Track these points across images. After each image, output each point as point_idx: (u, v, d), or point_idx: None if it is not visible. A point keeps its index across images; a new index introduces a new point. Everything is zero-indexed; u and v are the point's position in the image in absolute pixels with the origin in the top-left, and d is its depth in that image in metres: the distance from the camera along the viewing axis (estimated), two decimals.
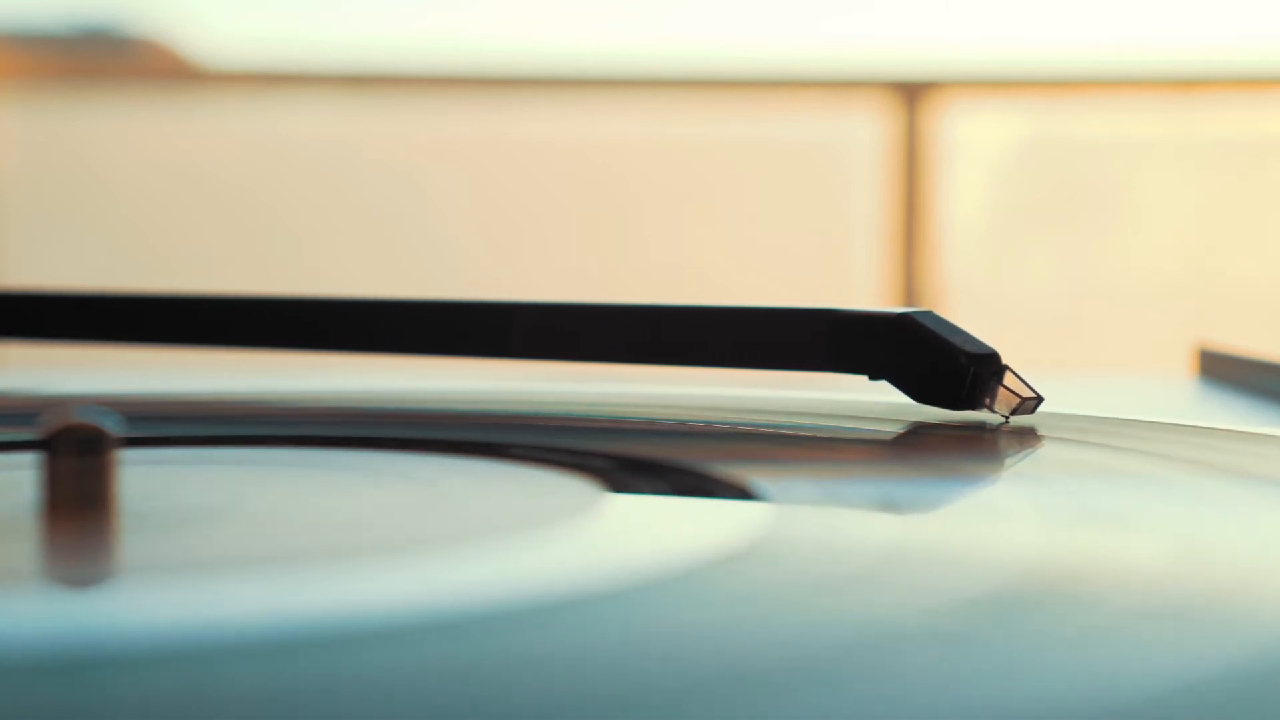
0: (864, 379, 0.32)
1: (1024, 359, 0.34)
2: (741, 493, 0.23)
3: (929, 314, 0.31)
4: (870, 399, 0.34)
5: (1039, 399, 0.30)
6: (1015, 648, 0.15)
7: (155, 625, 0.16)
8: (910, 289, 1.69)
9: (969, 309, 1.62)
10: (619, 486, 0.24)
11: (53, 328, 0.42)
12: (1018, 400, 0.30)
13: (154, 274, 1.71)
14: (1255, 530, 0.21)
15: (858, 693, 0.14)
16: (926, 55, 1.84)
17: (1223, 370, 0.47)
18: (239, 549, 0.20)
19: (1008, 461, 0.27)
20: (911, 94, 1.72)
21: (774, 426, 0.31)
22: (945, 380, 0.30)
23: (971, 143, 1.77)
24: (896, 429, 0.30)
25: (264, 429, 0.31)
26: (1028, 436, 0.29)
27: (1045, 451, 0.27)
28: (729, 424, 0.31)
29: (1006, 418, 0.30)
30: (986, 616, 0.16)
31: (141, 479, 0.24)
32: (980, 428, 0.30)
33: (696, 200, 1.83)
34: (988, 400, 0.30)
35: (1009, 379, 0.30)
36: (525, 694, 0.14)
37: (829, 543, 0.20)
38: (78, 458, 0.21)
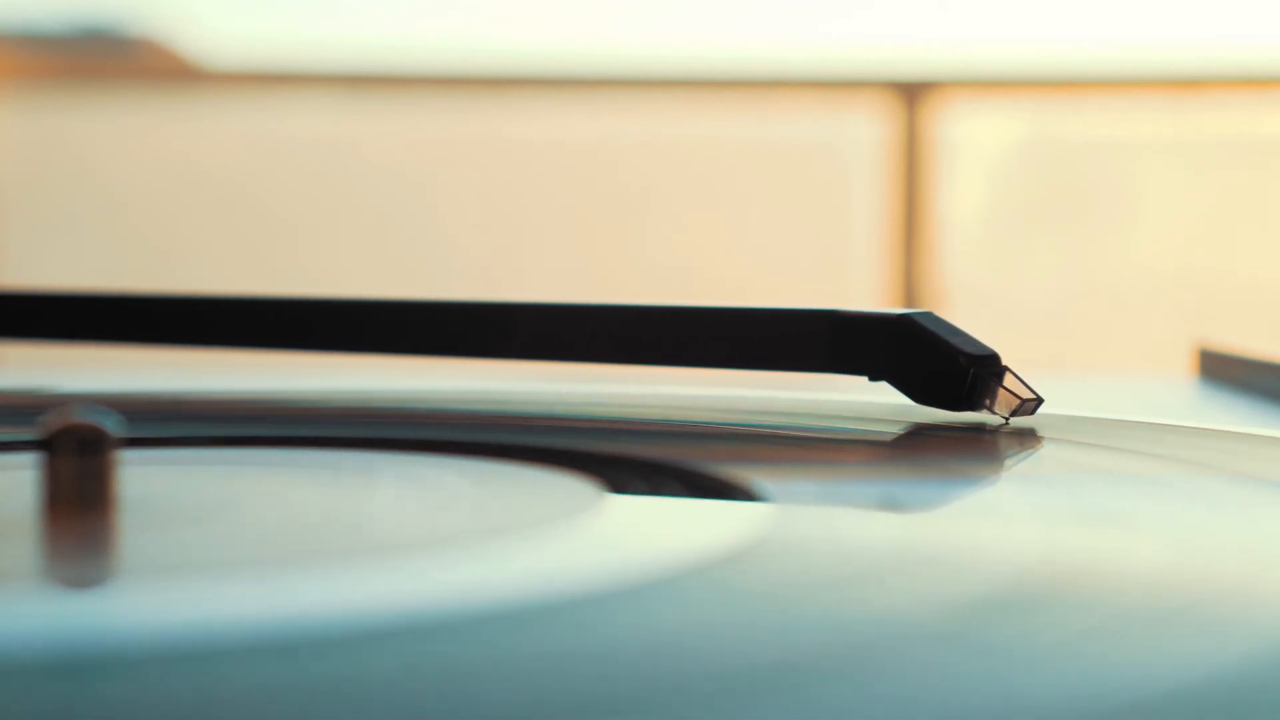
0: (864, 380, 0.32)
1: (1024, 359, 0.34)
2: (742, 493, 0.23)
3: (929, 315, 0.31)
4: (870, 399, 0.34)
5: (1039, 400, 0.30)
6: (1015, 648, 0.15)
7: (155, 625, 0.16)
8: (910, 289, 1.69)
9: (969, 309, 1.62)
10: (619, 487, 0.24)
11: (53, 328, 0.41)
12: (1018, 401, 0.30)
13: (154, 274, 1.71)
14: (1255, 530, 0.21)
15: (858, 692, 0.14)
16: (926, 55, 1.84)
17: (1223, 370, 0.47)
18: (239, 549, 0.20)
19: (1008, 462, 0.27)
20: (911, 94, 1.72)
21: (774, 426, 0.31)
22: (945, 381, 0.30)
23: (971, 143, 1.77)
24: (897, 430, 0.30)
25: (264, 429, 0.31)
26: (1028, 437, 0.29)
27: (1045, 452, 0.27)
28: (729, 424, 0.31)
29: (1006, 419, 0.30)
30: (986, 616, 0.16)
31: (141, 479, 0.24)
32: (980, 429, 0.30)
33: (696, 200, 1.83)
34: (988, 401, 0.30)
35: (1009, 380, 0.30)
36: (525, 694, 0.14)
37: (830, 543, 0.20)
38: (78, 458, 0.21)
